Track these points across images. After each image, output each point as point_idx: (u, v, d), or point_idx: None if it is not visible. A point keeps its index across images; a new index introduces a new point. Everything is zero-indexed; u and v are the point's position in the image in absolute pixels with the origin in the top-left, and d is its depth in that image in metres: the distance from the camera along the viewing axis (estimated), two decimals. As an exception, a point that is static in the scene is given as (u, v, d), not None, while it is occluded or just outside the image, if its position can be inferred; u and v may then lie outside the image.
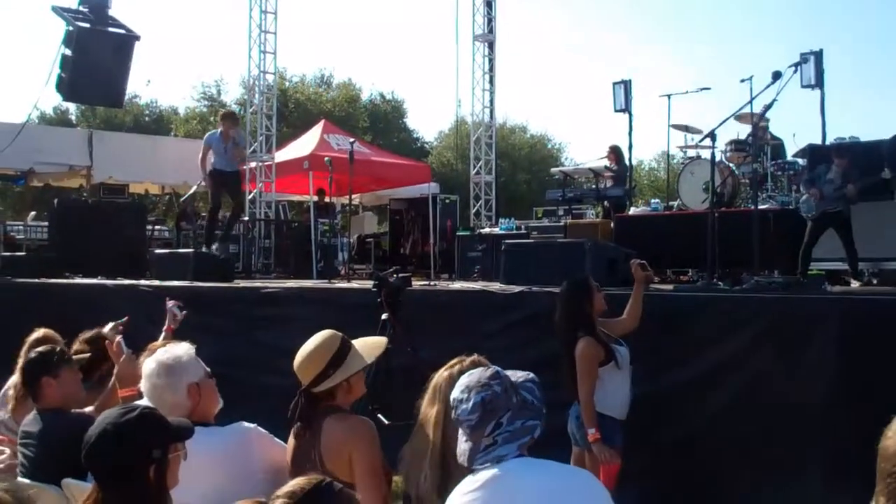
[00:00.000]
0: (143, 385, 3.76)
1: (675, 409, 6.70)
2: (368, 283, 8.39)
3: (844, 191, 9.25)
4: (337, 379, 3.65)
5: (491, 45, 21.23)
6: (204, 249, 12.68)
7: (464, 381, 2.84)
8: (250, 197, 18.17)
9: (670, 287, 8.91)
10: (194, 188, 14.60)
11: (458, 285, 9.99)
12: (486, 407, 2.73)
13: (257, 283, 11.06)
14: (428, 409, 3.32)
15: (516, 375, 2.88)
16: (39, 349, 4.65)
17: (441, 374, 3.40)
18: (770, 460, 6.21)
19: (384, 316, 6.90)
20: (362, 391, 3.89)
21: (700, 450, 6.56)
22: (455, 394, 2.81)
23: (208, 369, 3.85)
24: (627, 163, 13.93)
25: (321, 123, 20.50)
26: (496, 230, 14.11)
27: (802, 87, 11.41)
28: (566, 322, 5.73)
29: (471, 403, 2.73)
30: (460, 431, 2.79)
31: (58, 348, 4.72)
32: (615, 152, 14.04)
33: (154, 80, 72.10)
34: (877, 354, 5.95)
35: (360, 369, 3.76)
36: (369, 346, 3.89)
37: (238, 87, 38.91)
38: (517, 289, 8.02)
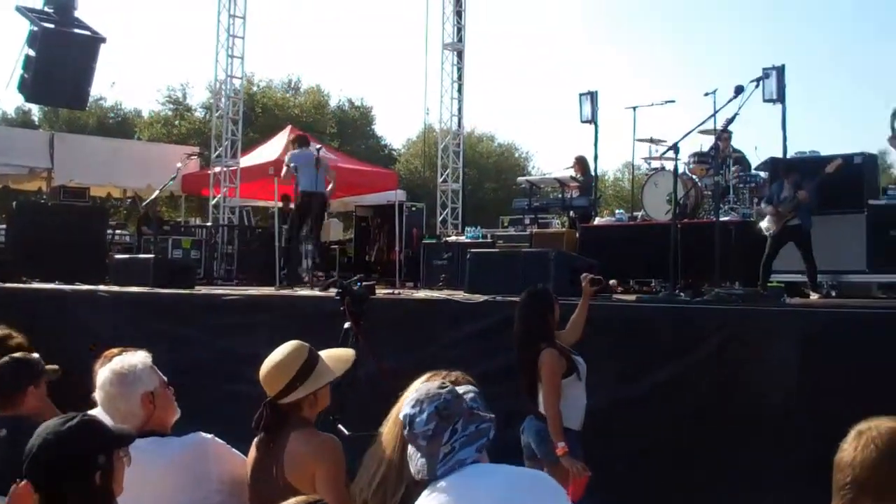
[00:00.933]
0: (97, 394, 3.71)
1: (638, 418, 6.72)
2: (332, 291, 8.35)
3: (797, 200, 9.40)
4: (304, 391, 3.60)
5: (460, 54, 21.29)
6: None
7: (412, 396, 2.82)
8: (214, 202, 18.07)
9: (633, 297, 8.94)
10: (157, 192, 14.47)
11: (422, 294, 9.98)
12: (441, 414, 2.71)
13: (218, 290, 10.98)
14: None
15: (460, 389, 2.86)
16: (18, 356, 4.54)
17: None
18: (731, 471, 6.24)
19: (347, 325, 6.84)
20: (328, 403, 3.85)
21: (661, 459, 6.58)
22: (406, 410, 2.78)
23: (165, 378, 3.79)
24: (593, 173, 13.99)
25: (287, 129, 20.44)
26: (462, 238, 14.10)
27: (765, 101, 11.51)
28: (527, 333, 5.66)
29: (426, 414, 2.71)
30: (413, 449, 2.76)
31: (36, 355, 4.63)
32: (581, 163, 14.09)
33: (119, 82, 71.65)
34: (835, 366, 6.00)
35: (328, 382, 3.72)
36: (337, 358, 3.83)
37: (204, 90, 38.70)
38: (481, 298, 8.01)
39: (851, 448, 2.17)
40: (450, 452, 2.69)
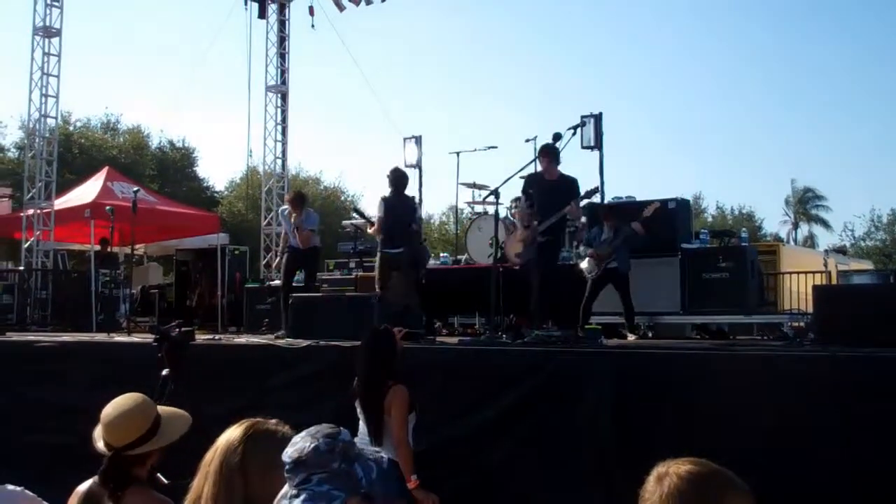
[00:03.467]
0: None
1: (459, 459, 6.76)
2: (150, 337, 8.13)
3: (626, 234, 9.79)
4: (153, 446, 3.50)
5: (284, 97, 21.24)
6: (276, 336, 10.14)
7: (311, 429, 2.79)
8: (27, 245, 17.35)
9: (455, 340, 9.04)
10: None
11: (243, 339, 9.81)
12: (297, 460, 2.69)
13: (30, 337, 10.52)
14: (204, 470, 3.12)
15: (370, 451, 2.87)
16: None
17: (221, 440, 3.19)
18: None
19: (164, 371, 6.66)
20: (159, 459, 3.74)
21: (482, 500, 6.64)
22: (297, 436, 2.77)
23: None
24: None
25: (104, 171, 19.81)
26: (286, 282, 13.96)
27: (583, 147, 11.84)
28: (373, 373, 5.67)
29: (290, 449, 2.70)
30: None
31: None
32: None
33: (-76, 120, 67.93)
34: (647, 404, 6.20)
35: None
36: (178, 418, 3.73)
37: (17, 129, 37.12)
38: (304, 343, 7.96)
39: (657, 497, 2.20)
40: (294, 496, 2.69)
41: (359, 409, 5.70)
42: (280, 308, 10.83)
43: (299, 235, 11.21)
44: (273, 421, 2.96)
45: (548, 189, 9.24)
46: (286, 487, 2.73)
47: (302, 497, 2.67)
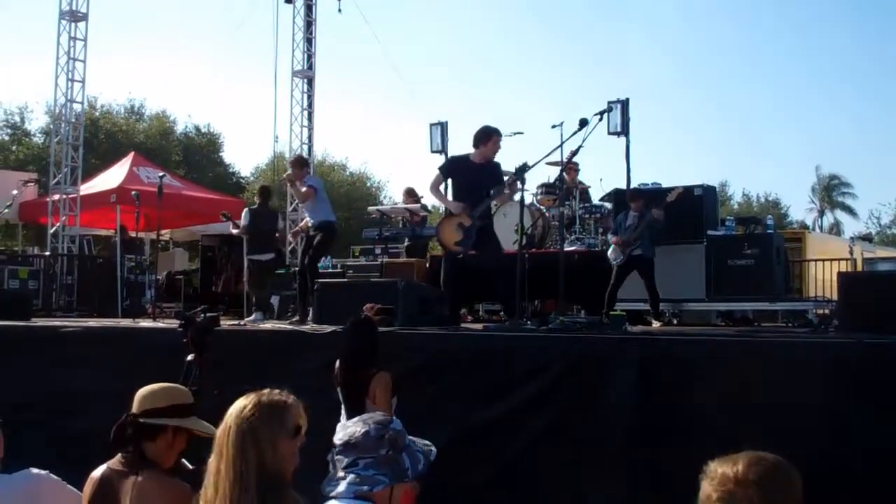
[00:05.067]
0: None
1: (484, 447, 6.75)
2: (175, 323, 8.15)
3: (648, 222, 9.78)
4: (171, 421, 3.54)
5: (310, 82, 21.26)
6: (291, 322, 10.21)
7: (364, 416, 2.84)
8: (53, 231, 17.47)
9: (480, 326, 9.02)
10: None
11: (269, 325, 9.83)
12: (347, 443, 2.74)
13: (56, 322, 10.59)
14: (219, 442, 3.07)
15: (422, 443, 2.88)
16: None
17: (231, 414, 3.13)
18: (572, 499, 6.32)
19: (189, 357, 6.67)
20: (182, 446, 3.76)
21: (506, 489, 6.63)
22: (349, 420, 2.83)
23: (-4, 414, 3.63)
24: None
25: (130, 156, 19.92)
26: (311, 268, 13.97)
27: (609, 133, 11.79)
28: (359, 358, 5.91)
29: (341, 432, 2.77)
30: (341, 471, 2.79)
31: None
32: (411, 194, 14.21)
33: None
34: (671, 392, 6.17)
35: (191, 430, 3.66)
36: (204, 427, 3.77)
37: (44, 115, 37.31)
38: (329, 328, 7.96)
39: (733, 483, 2.21)
40: (341, 479, 2.72)
41: (341, 395, 5.92)
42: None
43: (298, 193, 11.38)
44: (277, 391, 3.01)
45: (476, 171, 9.23)
46: (332, 472, 2.77)
47: (348, 479, 2.70)
